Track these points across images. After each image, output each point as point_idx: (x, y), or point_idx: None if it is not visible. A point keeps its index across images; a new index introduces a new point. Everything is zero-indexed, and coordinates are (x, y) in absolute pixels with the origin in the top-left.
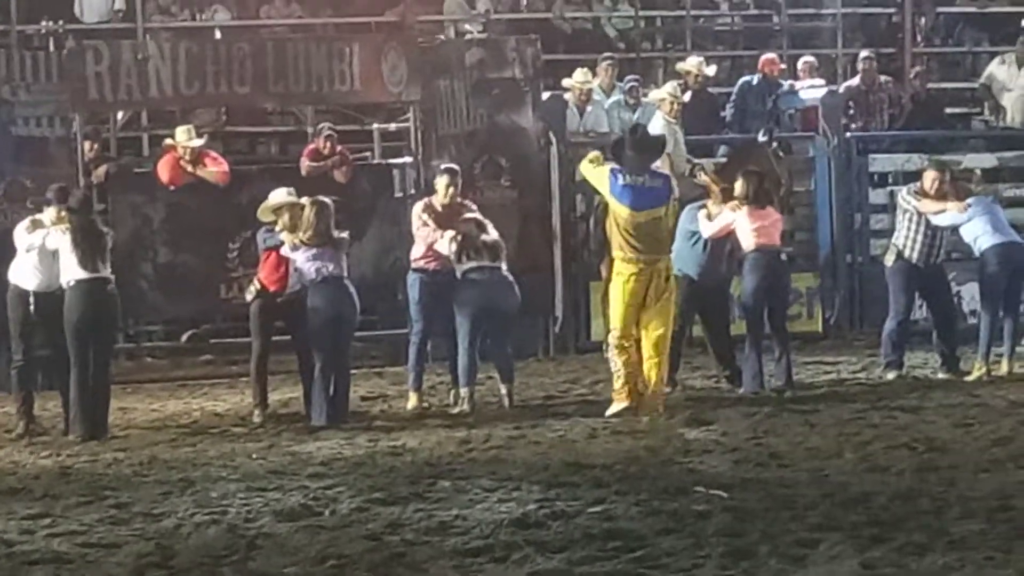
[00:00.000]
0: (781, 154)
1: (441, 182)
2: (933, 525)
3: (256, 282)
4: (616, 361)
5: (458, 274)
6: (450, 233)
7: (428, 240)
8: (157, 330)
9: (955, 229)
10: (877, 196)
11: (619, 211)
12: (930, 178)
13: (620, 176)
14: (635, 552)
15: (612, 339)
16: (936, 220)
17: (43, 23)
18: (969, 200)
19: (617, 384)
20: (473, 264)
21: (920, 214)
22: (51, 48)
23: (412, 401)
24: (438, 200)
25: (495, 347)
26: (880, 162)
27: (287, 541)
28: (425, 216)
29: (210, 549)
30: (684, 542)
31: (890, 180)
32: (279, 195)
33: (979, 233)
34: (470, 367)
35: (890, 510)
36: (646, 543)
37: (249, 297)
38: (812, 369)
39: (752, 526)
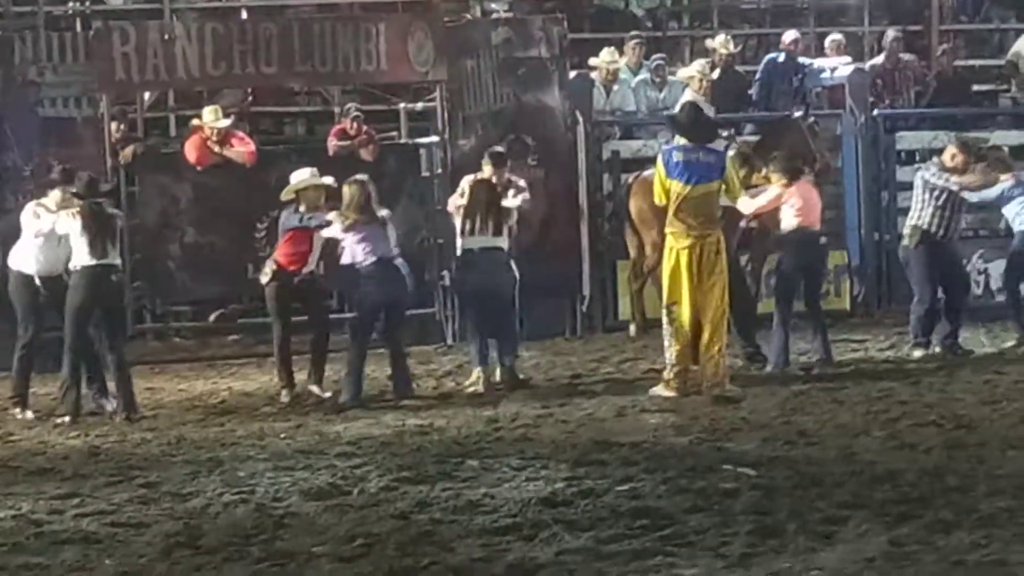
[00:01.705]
0: (817, 129)
1: (485, 167)
2: (961, 503)
3: (272, 263)
4: (669, 338)
5: (458, 251)
6: (455, 197)
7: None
8: (185, 310)
9: (982, 206)
10: (904, 174)
11: (673, 186)
12: (951, 153)
13: (673, 153)
14: (663, 530)
15: (664, 309)
16: (980, 195)
17: (70, 4)
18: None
19: (667, 371)
20: (471, 244)
21: (949, 191)
22: (78, 29)
23: (474, 377)
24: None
25: (496, 326)
26: (907, 140)
27: (315, 520)
28: (465, 186)
29: (238, 528)
30: (712, 520)
31: (917, 158)
32: (303, 175)
33: (1020, 212)
34: (480, 348)
35: (918, 487)
36: (674, 521)
37: (265, 279)
38: (840, 347)
39: (780, 504)
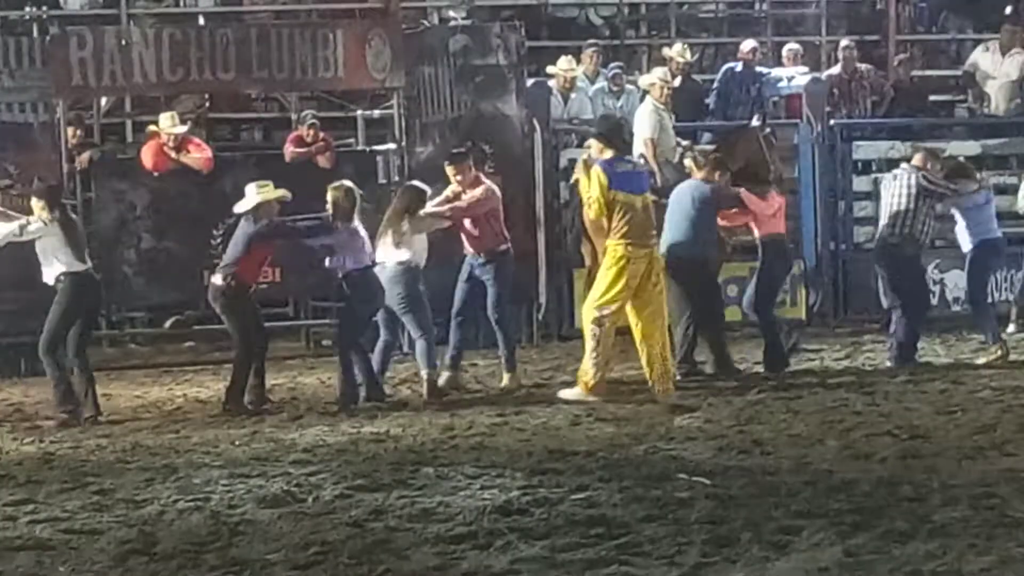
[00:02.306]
0: (774, 140)
1: (448, 171)
2: (916, 512)
3: (234, 275)
4: (595, 342)
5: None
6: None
7: None
8: (140, 316)
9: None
10: (861, 183)
11: (621, 197)
12: (929, 161)
13: (616, 165)
14: (618, 539)
15: (596, 313)
16: (960, 203)
17: (27, 9)
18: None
19: (591, 374)
20: (379, 255)
21: (933, 199)
22: (35, 34)
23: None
24: (452, 189)
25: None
26: (864, 149)
27: (270, 528)
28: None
29: (193, 535)
30: (667, 529)
31: (874, 167)
32: (267, 188)
33: (980, 222)
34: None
35: (873, 497)
36: (629, 530)
37: (229, 291)
38: (795, 356)
39: (735, 513)
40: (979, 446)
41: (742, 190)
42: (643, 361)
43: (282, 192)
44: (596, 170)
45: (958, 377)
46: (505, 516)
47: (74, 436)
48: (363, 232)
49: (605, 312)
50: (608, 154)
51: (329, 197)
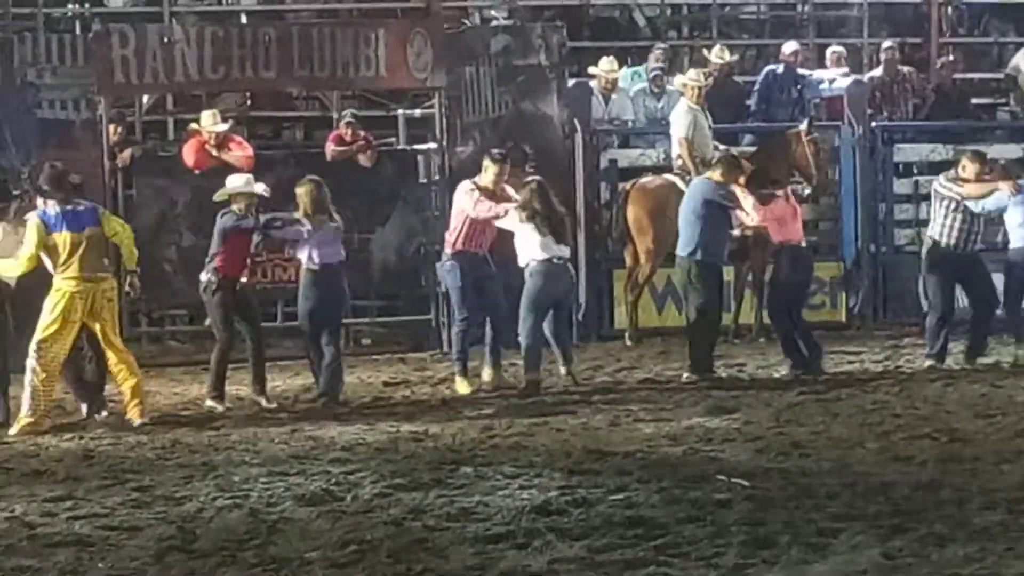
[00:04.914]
0: (821, 145)
1: (491, 168)
2: (955, 516)
3: (215, 270)
4: (31, 374)
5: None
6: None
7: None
8: (181, 314)
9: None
10: (902, 186)
11: (59, 238)
12: (963, 164)
13: (48, 210)
14: (656, 540)
15: (34, 347)
16: (984, 204)
17: (69, 6)
18: (1021, 181)
19: (33, 413)
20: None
21: (958, 201)
22: (77, 31)
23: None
24: (483, 182)
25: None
26: (905, 152)
27: (308, 526)
28: (477, 194)
29: (231, 533)
30: (705, 530)
31: (915, 170)
32: (236, 181)
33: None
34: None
35: (912, 500)
36: (667, 531)
37: (212, 286)
38: (835, 358)
39: (773, 515)
40: (1019, 450)
41: (737, 188)
42: (120, 387)
43: (245, 189)
44: (33, 222)
45: (997, 380)
46: (543, 516)
47: (114, 433)
48: (334, 227)
49: (43, 346)
50: (52, 204)
51: (301, 192)
